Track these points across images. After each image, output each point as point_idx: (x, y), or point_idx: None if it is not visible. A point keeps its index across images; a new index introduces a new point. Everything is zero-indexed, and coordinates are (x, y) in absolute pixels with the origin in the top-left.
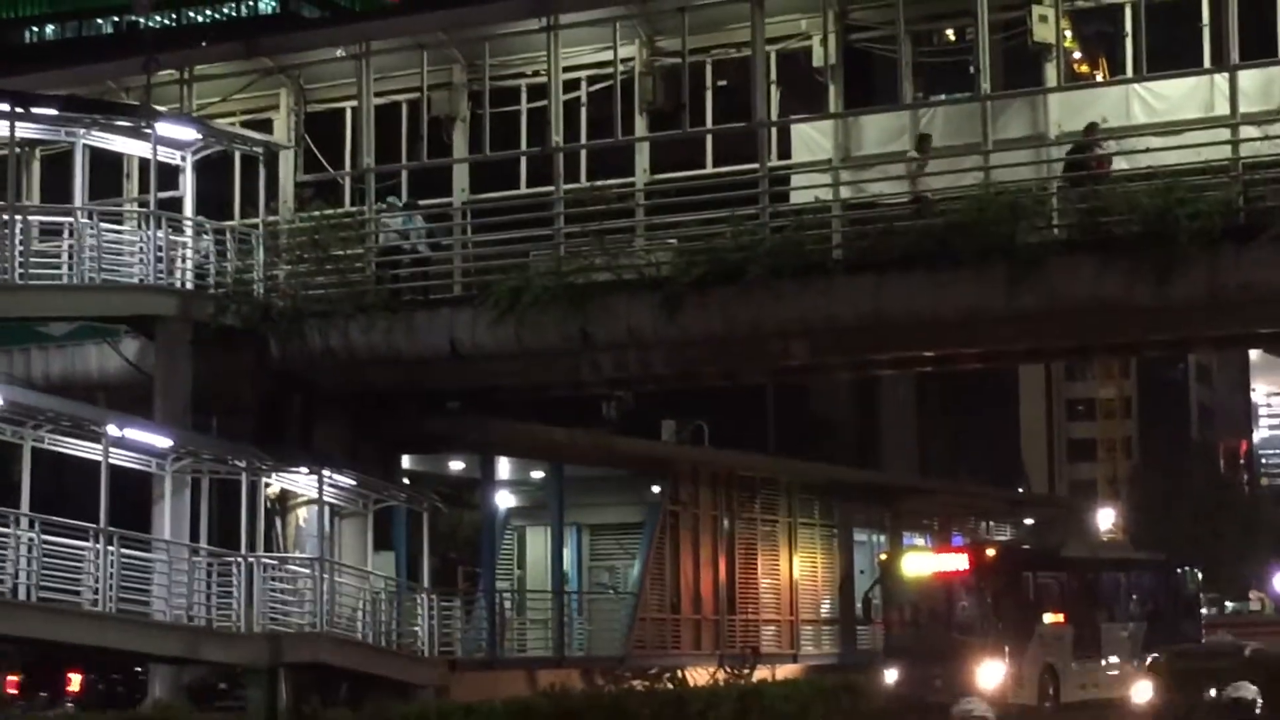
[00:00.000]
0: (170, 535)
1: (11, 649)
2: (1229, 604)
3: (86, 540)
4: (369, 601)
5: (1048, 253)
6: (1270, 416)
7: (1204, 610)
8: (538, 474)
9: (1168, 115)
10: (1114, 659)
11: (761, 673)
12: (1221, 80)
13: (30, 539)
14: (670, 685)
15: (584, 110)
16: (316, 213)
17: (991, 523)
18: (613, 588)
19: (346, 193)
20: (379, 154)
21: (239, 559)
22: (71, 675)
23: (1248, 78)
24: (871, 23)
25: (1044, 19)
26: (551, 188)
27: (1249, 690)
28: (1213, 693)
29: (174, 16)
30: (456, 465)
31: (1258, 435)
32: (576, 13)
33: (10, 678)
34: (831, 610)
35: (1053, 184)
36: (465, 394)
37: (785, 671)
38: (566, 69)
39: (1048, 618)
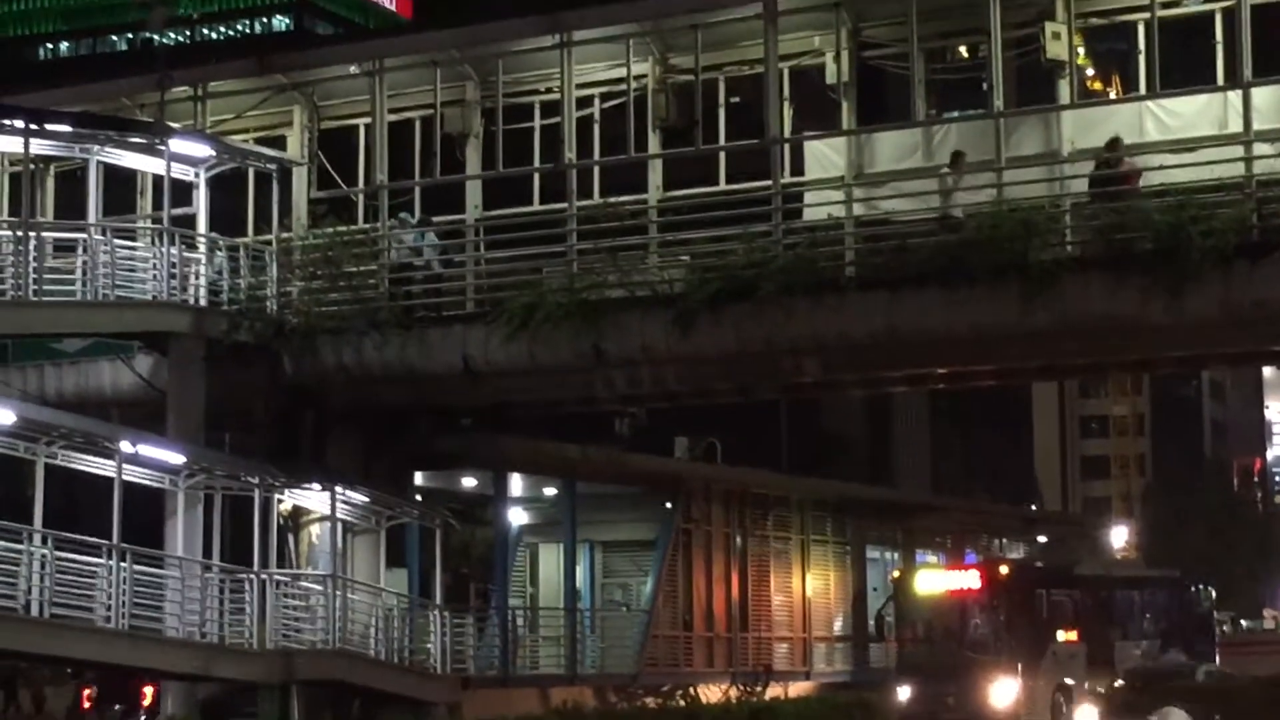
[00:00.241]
0: (183, 551)
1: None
2: (1244, 622)
3: (99, 556)
4: (382, 618)
5: (1061, 270)
6: None
7: (1224, 628)
8: (550, 491)
9: (1181, 132)
10: None
11: (774, 690)
12: (1235, 97)
13: (43, 555)
14: (683, 703)
15: (597, 127)
16: (330, 229)
17: (1005, 540)
18: (625, 605)
19: (360, 209)
20: (392, 170)
21: (252, 575)
22: (145, 689)
23: (1261, 94)
24: (885, 40)
25: (1057, 36)
26: (565, 204)
27: (1178, 717)
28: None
29: (188, 34)
30: (469, 482)
31: (1271, 452)
32: (590, 30)
33: (86, 691)
34: (844, 628)
35: (1066, 201)
36: (478, 411)
37: (798, 689)
38: (579, 86)
39: (1061, 636)
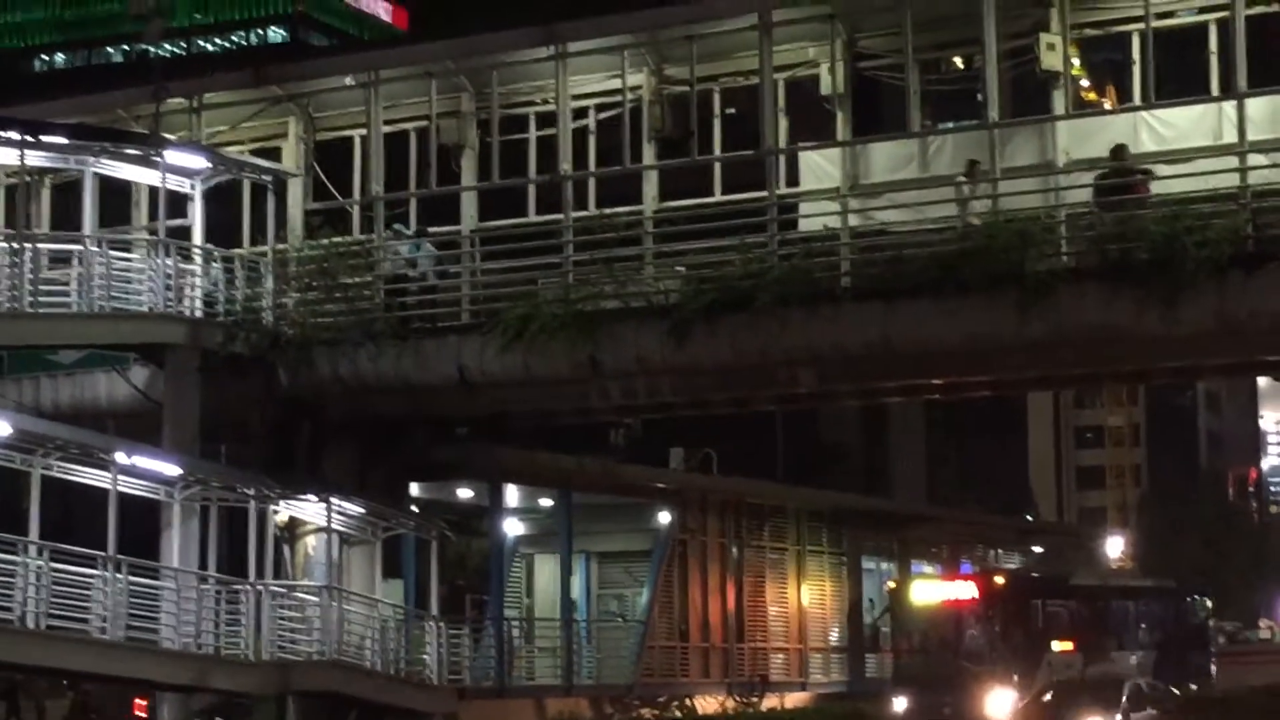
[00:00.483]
0: (179, 563)
1: None
2: (1250, 633)
3: (95, 568)
4: (378, 629)
5: (1057, 280)
6: (1279, 444)
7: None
8: (546, 502)
9: (1176, 143)
10: None
11: (770, 701)
12: (1229, 108)
13: (39, 567)
14: (679, 713)
15: (592, 138)
16: (325, 241)
17: (1000, 550)
18: (621, 615)
19: (355, 221)
20: (387, 182)
21: (248, 587)
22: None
23: (1256, 105)
24: (880, 51)
25: (1052, 47)
26: (560, 215)
27: None
28: None
29: (183, 45)
30: (465, 493)
31: (1266, 463)
32: (585, 41)
33: (139, 700)
34: (840, 638)
35: (1062, 211)
36: (473, 422)
37: (794, 699)
38: (575, 97)
39: (1056, 646)
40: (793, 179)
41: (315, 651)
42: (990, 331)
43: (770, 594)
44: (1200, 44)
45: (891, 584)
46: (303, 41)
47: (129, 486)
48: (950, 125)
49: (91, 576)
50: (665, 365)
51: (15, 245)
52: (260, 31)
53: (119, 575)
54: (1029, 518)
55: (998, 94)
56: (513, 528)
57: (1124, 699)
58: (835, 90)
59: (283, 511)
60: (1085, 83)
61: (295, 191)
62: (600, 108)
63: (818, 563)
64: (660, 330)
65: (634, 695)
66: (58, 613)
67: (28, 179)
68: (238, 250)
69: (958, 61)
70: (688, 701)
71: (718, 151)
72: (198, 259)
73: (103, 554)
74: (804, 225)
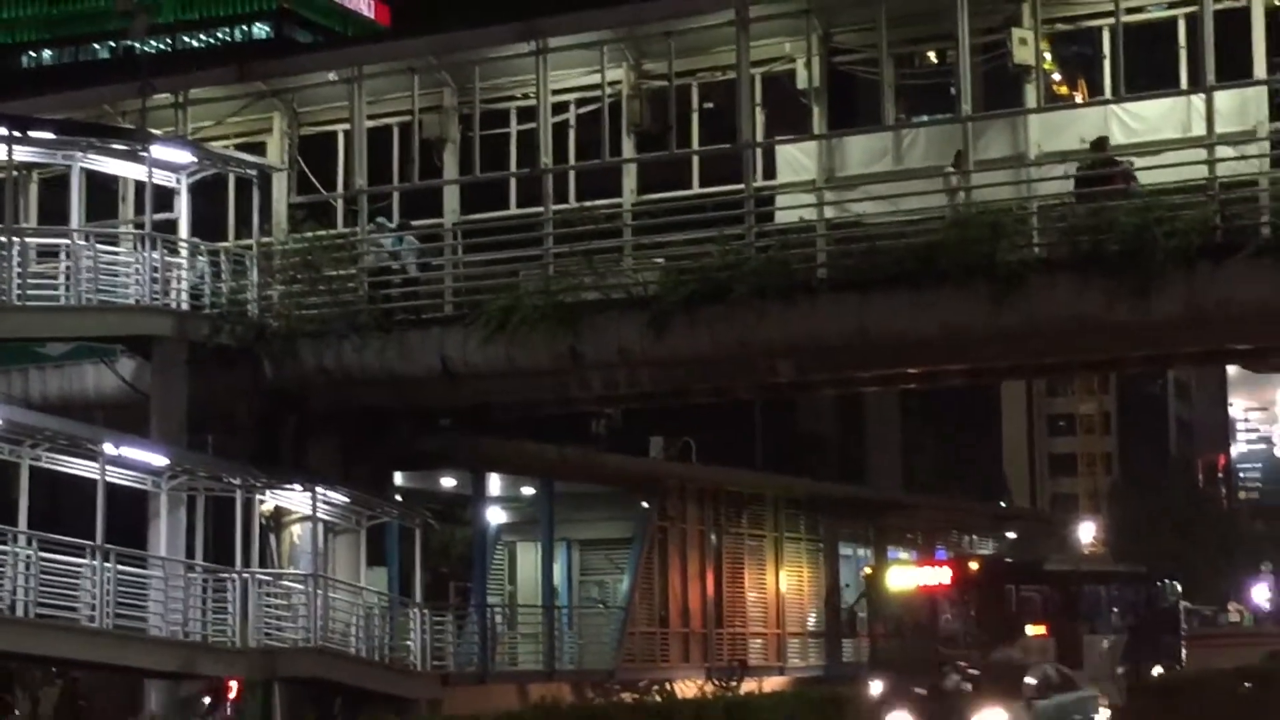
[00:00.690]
0: (166, 552)
1: None
2: (1222, 617)
3: (84, 557)
4: (362, 617)
5: (1029, 271)
6: (1247, 431)
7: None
8: (528, 491)
9: (1146, 135)
10: (1095, 669)
11: (749, 685)
12: (1198, 101)
13: (28, 556)
14: (659, 698)
15: (572, 132)
16: (309, 234)
17: (974, 537)
18: (602, 602)
19: (339, 214)
20: (371, 176)
21: (234, 575)
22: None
23: (1223, 98)
24: (854, 46)
25: (1024, 41)
26: (541, 208)
27: None
28: None
29: (169, 42)
30: (448, 482)
31: (1235, 450)
32: (565, 37)
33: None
34: (817, 623)
35: (1033, 203)
36: (457, 412)
37: (772, 684)
38: (555, 92)
39: (1030, 630)
40: (769, 172)
41: (301, 638)
42: (964, 322)
43: (749, 580)
44: (1169, 38)
45: (868, 570)
46: (287, 38)
47: (117, 477)
48: (924, 119)
49: (80, 565)
50: (645, 356)
51: (3, 239)
52: (245, 28)
53: (107, 564)
54: (1003, 504)
55: (970, 88)
56: (495, 516)
57: (1030, 688)
58: (811, 85)
59: (269, 501)
60: (1057, 77)
61: (280, 185)
62: (580, 102)
63: (795, 549)
64: (640, 321)
65: (615, 680)
66: (47, 601)
67: (15, 174)
68: (223, 244)
69: (931, 56)
70: (667, 686)
71: (696, 145)
72: (184, 252)
73: (91, 543)
74: (781, 217)
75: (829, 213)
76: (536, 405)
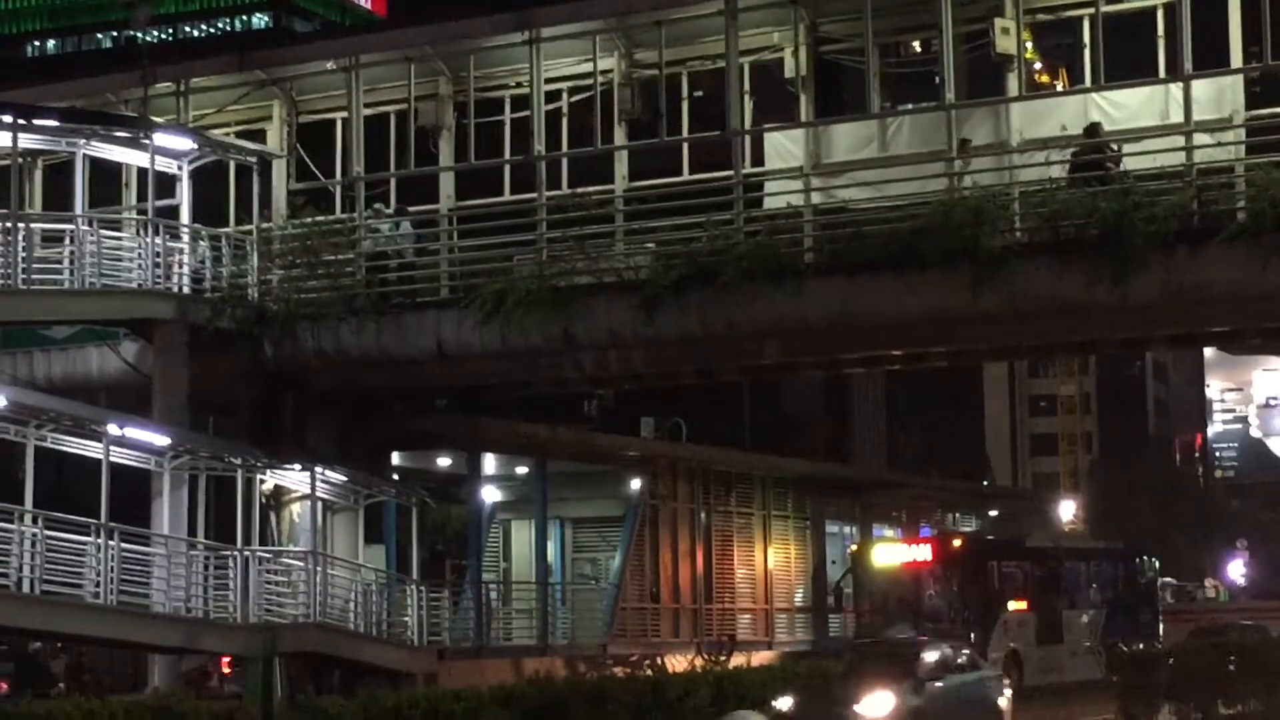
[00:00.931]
0: (169, 530)
1: None
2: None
3: (88, 535)
4: (360, 593)
5: (1010, 255)
6: (1224, 411)
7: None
8: (522, 470)
9: (1125, 123)
10: (1075, 644)
11: (738, 659)
12: (1176, 89)
13: (34, 534)
14: (650, 672)
15: (565, 120)
16: (308, 219)
17: (958, 515)
18: (594, 579)
19: (337, 200)
20: (368, 163)
21: (235, 553)
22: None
23: (1201, 87)
24: (841, 35)
25: (1006, 31)
26: (534, 194)
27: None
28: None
29: (170, 31)
30: (444, 462)
31: (1211, 430)
32: (557, 27)
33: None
34: (804, 599)
35: (1015, 189)
36: (452, 393)
37: (760, 658)
38: (548, 80)
39: (1012, 605)
40: (758, 159)
41: (301, 614)
42: (947, 304)
43: (737, 557)
44: (1148, 28)
45: (854, 547)
46: (286, 27)
47: (120, 457)
48: (909, 107)
49: (85, 543)
50: (636, 338)
51: (9, 225)
52: (245, 17)
53: (111, 542)
54: (985, 483)
55: (954, 77)
56: (490, 495)
57: (925, 667)
58: (798, 73)
59: (269, 480)
60: (1038, 66)
61: (279, 172)
62: (572, 91)
63: (783, 527)
64: (631, 304)
65: (607, 655)
66: (52, 578)
67: (21, 161)
68: (224, 229)
69: (916, 46)
70: (659, 660)
71: (686, 133)
72: (185, 237)
73: (95, 522)
74: (769, 203)
75: (816, 198)
76: (530, 386)
